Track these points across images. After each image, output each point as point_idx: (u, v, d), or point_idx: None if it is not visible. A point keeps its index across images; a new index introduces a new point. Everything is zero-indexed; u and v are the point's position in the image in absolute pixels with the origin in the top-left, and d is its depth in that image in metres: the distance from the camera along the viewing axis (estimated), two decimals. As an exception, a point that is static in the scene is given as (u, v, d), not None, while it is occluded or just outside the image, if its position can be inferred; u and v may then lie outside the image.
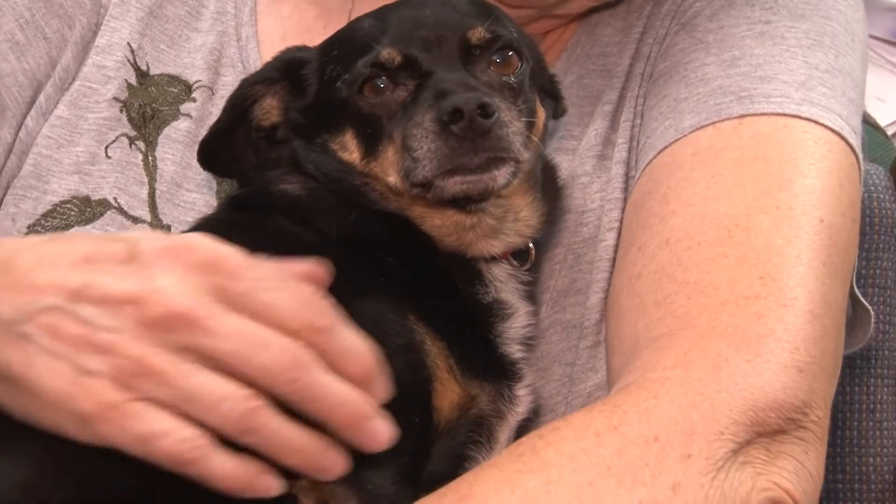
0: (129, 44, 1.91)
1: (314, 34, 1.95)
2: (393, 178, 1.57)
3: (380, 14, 1.65)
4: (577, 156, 1.83)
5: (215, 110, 1.89)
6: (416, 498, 1.44)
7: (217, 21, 1.96)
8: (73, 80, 1.88)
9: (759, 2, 1.76)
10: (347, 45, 1.63)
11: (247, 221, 1.64)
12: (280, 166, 1.68)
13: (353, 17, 1.93)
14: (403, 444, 1.43)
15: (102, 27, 1.91)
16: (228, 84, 1.91)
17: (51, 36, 1.87)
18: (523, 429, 1.63)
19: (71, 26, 1.89)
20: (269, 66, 1.71)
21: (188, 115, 1.89)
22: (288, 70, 1.68)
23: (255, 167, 1.71)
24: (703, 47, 1.74)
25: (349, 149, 1.61)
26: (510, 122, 1.52)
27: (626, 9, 1.92)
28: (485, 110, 1.49)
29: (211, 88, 1.91)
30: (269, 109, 1.69)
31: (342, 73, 1.60)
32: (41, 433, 1.32)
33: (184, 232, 1.69)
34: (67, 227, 1.80)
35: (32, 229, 1.81)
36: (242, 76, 1.90)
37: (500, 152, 1.51)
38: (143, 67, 1.91)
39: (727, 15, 1.75)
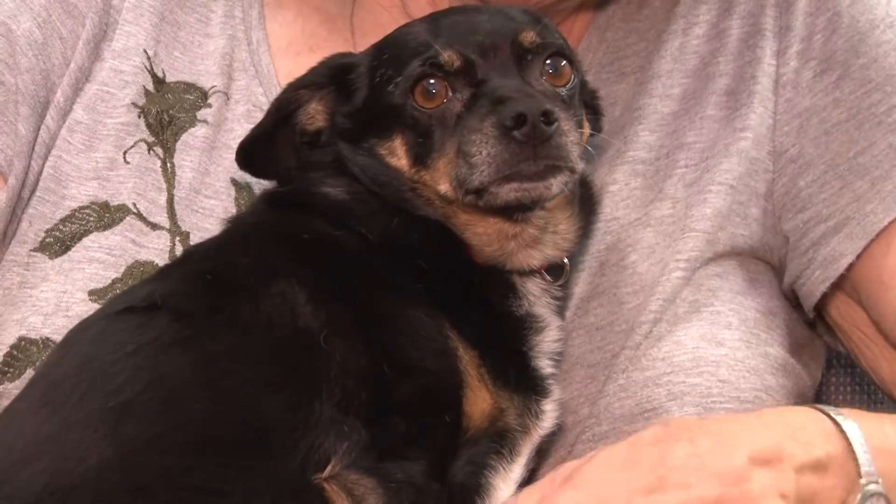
0: (145, 50, 1.91)
1: (319, 39, 1.96)
2: (443, 186, 1.57)
3: (432, 19, 1.65)
4: (605, 164, 1.84)
5: (230, 115, 1.90)
6: (444, 493, 1.48)
7: (226, 25, 1.96)
8: (88, 79, 1.88)
9: (882, 23, 1.81)
10: (400, 48, 1.62)
11: (285, 224, 1.64)
12: (322, 169, 1.67)
13: (354, 23, 1.96)
14: (433, 441, 1.49)
15: (118, 31, 1.91)
16: (241, 88, 1.91)
17: (66, 35, 1.87)
18: (547, 443, 1.66)
19: (83, 24, 1.89)
20: (315, 72, 1.70)
21: (205, 122, 1.89)
22: (335, 75, 1.68)
23: (296, 168, 1.70)
24: (875, 87, 1.79)
25: (398, 155, 1.61)
26: (569, 132, 1.53)
27: (637, 8, 1.93)
28: (547, 117, 1.49)
29: (226, 93, 1.91)
30: (315, 114, 1.69)
31: (394, 77, 1.60)
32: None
33: (219, 233, 1.70)
34: (86, 232, 1.80)
35: (50, 233, 1.81)
36: (255, 79, 1.91)
37: (558, 161, 1.52)
38: (160, 74, 1.91)
39: (865, 44, 1.80)
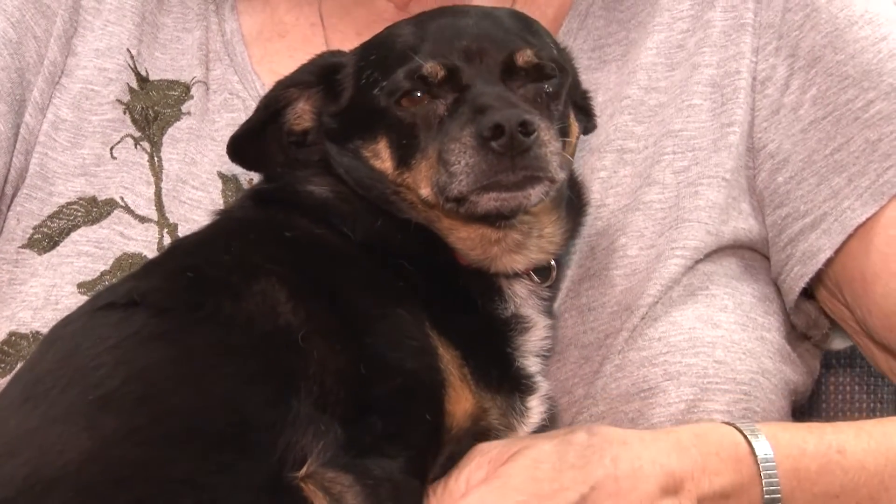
0: (128, 49, 1.93)
1: (287, 25, 1.98)
2: (425, 191, 1.56)
3: (419, 21, 1.64)
4: (594, 150, 1.84)
5: (211, 106, 1.91)
6: (423, 491, 1.47)
7: (201, 17, 1.98)
8: (63, 73, 1.90)
9: (861, 19, 1.81)
10: (386, 51, 1.62)
11: (269, 222, 1.63)
12: (309, 167, 1.67)
13: (322, 8, 1.98)
14: (412, 438, 1.48)
15: (100, 30, 1.93)
16: (218, 77, 1.93)
17: (40, 35, 1.89)
18: (543, 426, 1.64)
19: (54, 22, 1.91)
20: (304, 70, 1.70)
21: (188, 113, 1.90)
22: (323, 74, 1.67)
23: (283, 164, 1.70)
24: (852, 83, 1.79)
25: (382, 157, 1.60)
26: (549, 142, 1.52)
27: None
28: (525, 128, 1.48)
29: (205, 83, 1.93)
30: (302, 114, 1.68)
31: (380, 80, 1.59)
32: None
33: (204, 227, 1.69)
34: (74, 227, 1.81)
35: (38, 230, 1.82)
36: (230, 68, 1.93)
37: (537, 171, 1.51)
38: (143, 73, 1.93)
39: (842, 40, 1.81)
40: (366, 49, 1.67)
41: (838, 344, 1.95)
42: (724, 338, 1.73)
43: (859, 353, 2.07)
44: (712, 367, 1.71)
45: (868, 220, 1.75)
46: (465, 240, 1.61)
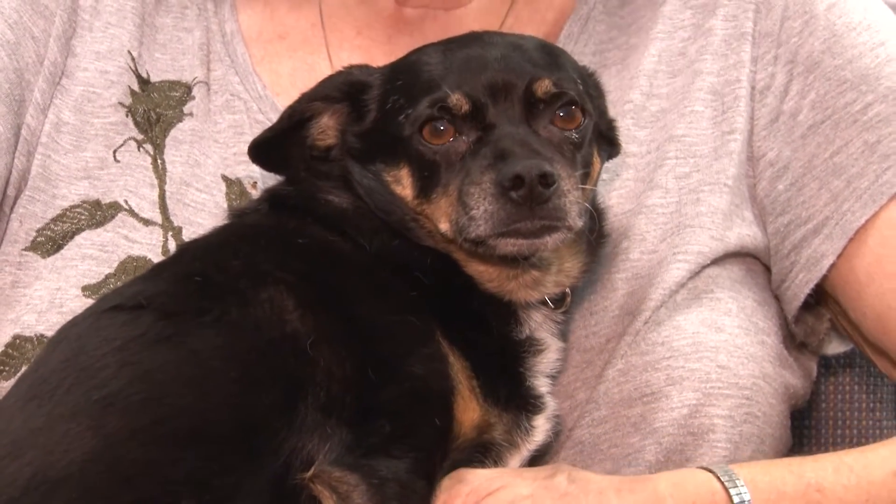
0: (129, 52, 1.92)
1: (287, 26, 1.99)
2: (444, 226, 1.57)
3: (447, 49, 1.63)
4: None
5: (213, 107, 1.91)
6: (431, 492, 1.48)
7: (200, 17, 1.98)
8: (64, 74, 1.89)
9: (859, 26, 1.83)
10: (412, 77, 1.62)
11: (282, 228, 1.64)
12: (330, 179, 1.67)
13: (322, 8, 1.98)
14: (421, 440, 1.49)
15: (101, 32, 1.92)
16: (219, 78, 1.93)
17: (38, 35, 1.88)
18: (543, 447, 1.67)
19: (53, 22, 1.90)
20: (329, 85, 1.69)
21: (190, 114, 1.90)
22: (350, 92, 1.67)
23: (306, 169, 1.70)
24: (850, 86, 1.81)
25: (403, 184, 1.61)
26: (568, 192, 1.52)
27: (619, 4, 1.95)
28: (545, 179, 1.49)
29: (206, 83, 1.93)
30: (326, 129, 1.68)
31: (405, 108, 1.59)
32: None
33: (215, 230, 1.70)
34: (78, 230, 1.81)
35: (41, 233, 1.82)
36: (231, 69, 1.93)
37: (555, 221, 1.52)
38: (144, 75, 1.93)
39: (840, 45, 1.83)
40: (393, 72, 1.66)
41: (834, 349, 1.96)
42: (727, 342, 1.74)
43: (858, 353, 2.08)
44: (715, 372, 1.72)
45: (867, 221, 1.76)
46: (483, 272, 1.62)
